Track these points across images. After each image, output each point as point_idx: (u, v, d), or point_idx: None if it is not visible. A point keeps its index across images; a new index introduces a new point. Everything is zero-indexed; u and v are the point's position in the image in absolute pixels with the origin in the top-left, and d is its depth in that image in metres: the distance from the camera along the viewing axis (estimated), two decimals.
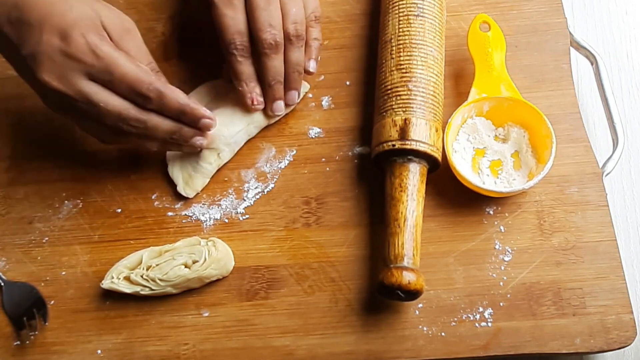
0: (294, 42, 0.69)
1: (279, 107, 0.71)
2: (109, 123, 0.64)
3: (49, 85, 0.62)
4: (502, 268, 0.66)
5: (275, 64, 0.69)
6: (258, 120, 0.72)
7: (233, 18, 0.67)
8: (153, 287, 0.65)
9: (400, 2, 0.71)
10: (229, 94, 0.73)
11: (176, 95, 0.65)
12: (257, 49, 0.68)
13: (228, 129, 0.70)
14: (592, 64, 0.75)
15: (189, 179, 0.71)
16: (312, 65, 0.71)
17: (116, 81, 0.63)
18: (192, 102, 0.66)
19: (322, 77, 0.75)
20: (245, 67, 0.69)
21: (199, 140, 0.68)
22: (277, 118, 0.73)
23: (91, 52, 0.62)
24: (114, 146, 0.72)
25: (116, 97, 0.63)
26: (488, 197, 0.68)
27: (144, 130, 0.65)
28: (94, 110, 0.63)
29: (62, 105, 0.64)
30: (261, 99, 0.70)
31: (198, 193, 0.71)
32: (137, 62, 0.64)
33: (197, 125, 0.67)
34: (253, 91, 0.70)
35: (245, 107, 0.71)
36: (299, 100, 0.73)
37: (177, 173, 0.71)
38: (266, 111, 0.72)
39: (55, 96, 0.63)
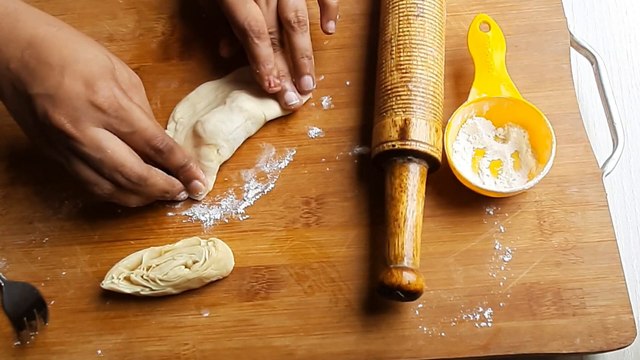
0: (298, 28, 0.70)
1: (309, 82, 0.73)
2: (106, 172, 0.64)
3: (60, 127, 0.62)
4: (502, 268, 0.66)
5: (304, 40, 0.71)
6: (256, 116, 0.72)
7: (246, 6, 0.69)
8: (153, 288, 0.65)
9: (400, 2, 0.71)
10: (229, 93, 0.73)
11: (183, 152, 0.68)
12: (285, 26, 0.71)
13: (226, 125, 0.70)
14: (592, 64, 0.75)
15: None
16: (331, 27, 0.74)
17: (136, 133, 0.64)
18: (194, 161, 0.69)
19: (322, 77, 0.75)
20: (263, 49, 0.70)
21: (182, 195, 0.70)
22: (275, 116, 0.73)
23: (117, 104, 0.63)
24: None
25: (125, 147, 0.64)
26: (488, 197, 0.68)
27: (139, 186, 0.65)
28: (97, 155, 0.63)
29: (61, 147, 0.64)
30: (278, 81, 0.71)
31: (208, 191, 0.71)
32: (152, 117, 0.67)
33: (189, 184, 0.69)
34: (271, 73, 0.71)
35: (263, 90, 0.72)
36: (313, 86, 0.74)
37: None
38: (297, 88, 0.73)
39: (60, 137, 0.63)
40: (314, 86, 0.73)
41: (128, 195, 0.67)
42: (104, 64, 0.65)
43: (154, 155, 0.66)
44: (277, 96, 0.73)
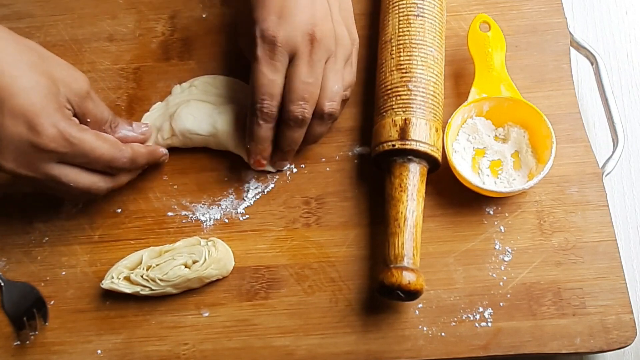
0: (326, 119, 0.68)
1: (283, 165, 0.71)
2: (76, 194, 0.65)
3: (13, 172, 0.61)
4: (502, 268, 0.66)
5: (295, 135, 0.67)
6: (221, 142, 0.71)
7: (270, 80, 0.64)
8: (153, 287, 0.65)
9: (400, 2, 0.71)
10: (236, 102, 0.72)
11: (142, 154, 0.67)
12: (282, 115, 0.66)
13: (191, 125, 0.70)
14: (592, 64, 0.75)
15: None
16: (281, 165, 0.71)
17: (93, 162, 0.63)
18: (151, 147, 0.69)
19: None
20: (263, 131, 0.66)
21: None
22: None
23: (64, 141, 0.60)
24: None
25: (85, 173, 0.64)
26: (488, 197, 0.68)
27: (114, 186, 0.67)
28: (62, 188, 0.63)
29: (24, 182, 0.63)
30: (265, 162, 0.69)
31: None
32: (105, 138, 0.64)
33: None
34: (260, 153, 0.68)
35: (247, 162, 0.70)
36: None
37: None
38: (271, 163, 0.71)
39: (18, 177, 0.62)
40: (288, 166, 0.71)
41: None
42: (46, 91, 0.60)
43: (116, 172, 0.66)
44: (248, 155, 0.70)
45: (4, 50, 0.61)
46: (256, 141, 0.67)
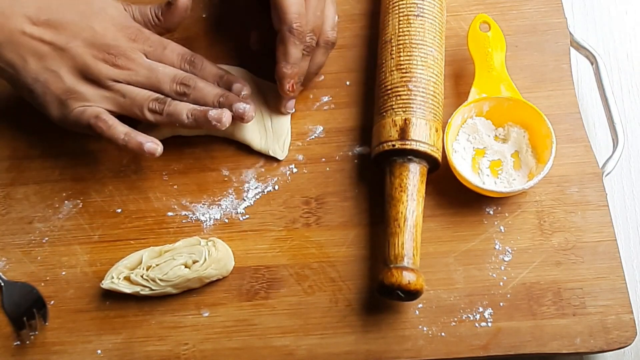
0: (329, 47, 0.72)
1: (291, 107, 0.73)
2: (165, 87, 0.68)
3: (111, 63, 0.67)
4: (502, 268, 0.66)
5: (324, 58, 0.72)
6: None
7: (295, 2, 0.67)
8: (153, 287, 0.65)
9: (400, 2, 0.71)
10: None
11: (212, 62, 0.71)
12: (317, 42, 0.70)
13: None
14: (592, 64, 0.75)
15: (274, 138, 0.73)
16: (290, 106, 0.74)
17: (169, 52, 0.69)
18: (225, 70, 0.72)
19: (322, 77, 0.75)
20: (298, 52, 0.68)
21: (241, 106, 0.68)
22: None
23: (146, 32, 0.69)
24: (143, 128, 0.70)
25: (169, 66, 0.69)
26: (488, 197, 0.68)
27: (194, 90, 0.68)
28: (152, 75, 0.68)
29: (112, 85, 0.67)
30: (296, 88, 0.70)
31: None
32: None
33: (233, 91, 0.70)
34: (294, 77, 0.69)
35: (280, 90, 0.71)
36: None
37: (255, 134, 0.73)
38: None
39: (111, 75, 0.67)
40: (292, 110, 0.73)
41: (182, 106, 0.67)
42: (118, 5, 0.70)
43: (189, 69, 0.70)
44: (281, 84, 0.71)
45: None
46: (292, 62, 0.69)
